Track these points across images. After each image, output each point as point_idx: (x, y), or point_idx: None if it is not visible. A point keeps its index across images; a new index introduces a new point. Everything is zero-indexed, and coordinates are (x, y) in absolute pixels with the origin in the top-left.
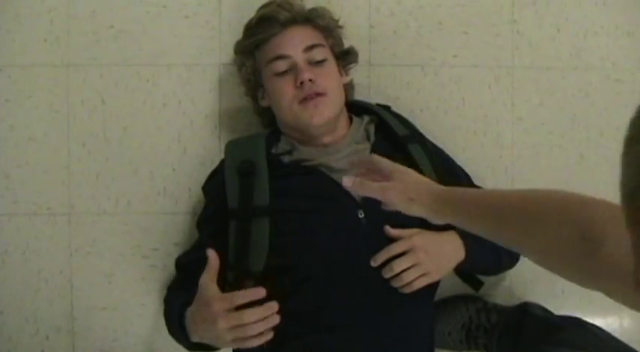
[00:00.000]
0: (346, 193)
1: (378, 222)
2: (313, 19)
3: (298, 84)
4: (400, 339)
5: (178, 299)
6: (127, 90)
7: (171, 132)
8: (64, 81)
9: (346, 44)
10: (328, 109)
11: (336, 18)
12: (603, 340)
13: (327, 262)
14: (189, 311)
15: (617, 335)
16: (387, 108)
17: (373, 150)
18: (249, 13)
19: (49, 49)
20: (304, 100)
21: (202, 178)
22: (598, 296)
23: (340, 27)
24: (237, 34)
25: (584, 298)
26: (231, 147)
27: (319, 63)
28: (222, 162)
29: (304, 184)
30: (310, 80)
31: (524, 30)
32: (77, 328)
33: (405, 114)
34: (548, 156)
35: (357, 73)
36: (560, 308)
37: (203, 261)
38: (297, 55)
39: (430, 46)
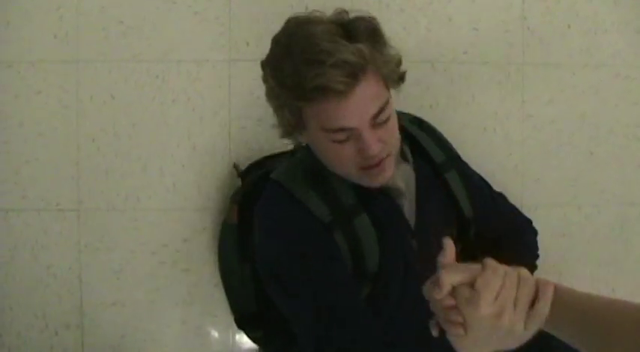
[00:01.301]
0: (403, 219)
1: (428, 249)
2: (375, 64)
3: (365, 156)
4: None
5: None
6: (136, 86)
7: (181, 128)
8: (74, 77)
9: None
10: (391, 167)
11: (386, 35)
12: None
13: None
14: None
15: None
16: (418, 122)
17: (416, 172)
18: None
19: (58, 45)
20: (368, 168)
21: (211, 174)
22: None
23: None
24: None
25: None
26: (279, 185)
27: (384, 122)
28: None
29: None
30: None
31: (534, 27)
32: (86, 324)
33: (413, 110)
34: (557, 153)
35: None
36: None
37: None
38: (363, 126)
39: (440, 42)
